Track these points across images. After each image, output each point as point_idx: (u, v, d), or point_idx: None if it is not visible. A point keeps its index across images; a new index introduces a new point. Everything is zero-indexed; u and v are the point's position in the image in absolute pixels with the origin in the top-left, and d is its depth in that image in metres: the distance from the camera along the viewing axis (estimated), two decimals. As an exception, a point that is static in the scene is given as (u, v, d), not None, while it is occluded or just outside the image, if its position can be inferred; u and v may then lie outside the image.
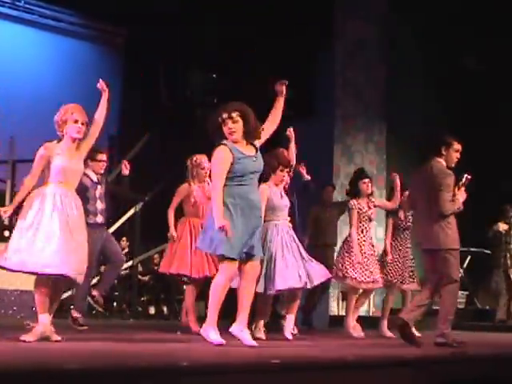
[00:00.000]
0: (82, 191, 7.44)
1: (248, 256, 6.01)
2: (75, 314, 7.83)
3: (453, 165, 6.75)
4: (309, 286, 7.26)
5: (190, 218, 8.06)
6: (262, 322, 7.42)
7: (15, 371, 3.73)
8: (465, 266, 11.98)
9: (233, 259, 5.91)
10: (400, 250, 8.82)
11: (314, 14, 11.73)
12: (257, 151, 6.13)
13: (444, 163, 6.75)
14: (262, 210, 6.35)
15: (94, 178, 8.00)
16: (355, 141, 12.15)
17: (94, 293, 8.01)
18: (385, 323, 8.68)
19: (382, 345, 7.38)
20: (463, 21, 12.13)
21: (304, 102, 12.07)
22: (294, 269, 7.13)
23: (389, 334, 8.52)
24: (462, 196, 6.72)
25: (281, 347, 6.44)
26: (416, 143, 12.45)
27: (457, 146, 6.79)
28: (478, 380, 5.43)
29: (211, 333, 5.92)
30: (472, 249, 11.52)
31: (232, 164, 5.93)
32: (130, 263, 11.46)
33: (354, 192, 8.54)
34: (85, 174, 7.65)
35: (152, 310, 11.91)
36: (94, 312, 11.51)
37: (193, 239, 7.83)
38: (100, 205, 7.97)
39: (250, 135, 6.09)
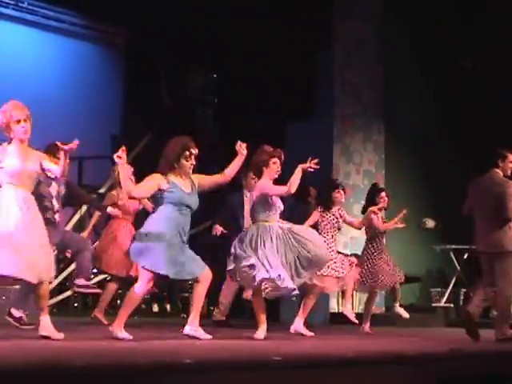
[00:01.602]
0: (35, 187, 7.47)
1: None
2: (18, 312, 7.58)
3: (508, 173, 7.53)
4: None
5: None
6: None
7: (17, 370, 3.75)
8: (462, 262, 12.03)
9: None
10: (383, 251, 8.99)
11: (313, 15, 11.77)
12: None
13: (501, 173, 7.50)
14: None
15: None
16: (354, 140, 12.21)
17: (78, 282, 7.99)
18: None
19: (383, 342, 7.45)
20: (461, 20, 12.19)
21: (303, 103, 12.14)
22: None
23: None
24: None
25: (282, 344, 6.49)
26: (414, 142, 12.54)
27: (511, 157, 7.55)
28: (477, 376, 5.46)
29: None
30: (469, 246, 11.57)
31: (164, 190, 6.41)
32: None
33: (326, 202, 8.53)
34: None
35: (155, 308, 11.96)
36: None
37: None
38: (55, 203, 7.88)
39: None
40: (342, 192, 8.56)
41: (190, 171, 6.53)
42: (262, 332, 6.97)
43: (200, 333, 6.50)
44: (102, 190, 11.21)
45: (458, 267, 12.01)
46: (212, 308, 9.22)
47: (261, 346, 6.12)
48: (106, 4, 11.86)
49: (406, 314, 9.02)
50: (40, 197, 7.43)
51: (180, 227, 6.42)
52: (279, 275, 6.86)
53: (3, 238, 5.78)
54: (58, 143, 6.07)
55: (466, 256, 11.88)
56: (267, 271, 6.88)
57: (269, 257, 6.96)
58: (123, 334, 6.37)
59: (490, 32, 11.95)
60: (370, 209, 8.68)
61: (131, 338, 6.31)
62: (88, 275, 8.21)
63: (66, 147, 5.98)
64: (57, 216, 7.92)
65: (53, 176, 6.32)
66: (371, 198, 8.97)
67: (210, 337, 6.49)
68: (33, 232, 5.92)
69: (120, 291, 9.62)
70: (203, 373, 4.18)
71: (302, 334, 7.68)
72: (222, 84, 12.85)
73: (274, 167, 7.27)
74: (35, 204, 6.11)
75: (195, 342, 6.33)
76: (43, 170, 6.14)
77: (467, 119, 12.11)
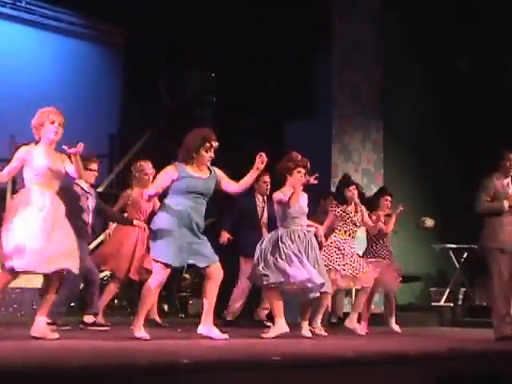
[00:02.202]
0: (74, 200, 7.47)
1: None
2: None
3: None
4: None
5: None
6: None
7: (17, 370, 3.76)
8: (462, 262, 12.01)
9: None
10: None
11: (312, 15, 11.76)
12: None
13: None
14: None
15: (85, 187, 7.88)
16: (353, 139, 12.20)
17: (87, 319, 7.89)
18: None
19: (382, 342, 7.44)
20: (458, 21, 12.18)
21: (302, 102, 12.13)
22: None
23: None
24: None
25: (281, 344, 6.47)
26: (413, 141, 12.52)
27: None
28: (476, 376, 5.45)
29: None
30: (468, 245, 11.56)
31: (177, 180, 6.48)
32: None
33: (340, 199, 8.63)
34: (75, 183, 7.66)
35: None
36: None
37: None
38: (91, 217, 7.89)
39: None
40: (354, 189, 8.55)
41: (208, 163, 6.57)
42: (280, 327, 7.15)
43: (215, 332, 6.54)
44: (100, 189, 11.18)
45: (458, 266, 12.00)
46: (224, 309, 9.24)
47: (260, 346, 6.11)
48: (105, 3, 11.83)
49: (399, 330, 8.96)
50: (80, 210, 7.61)
51: (191, 215, 6.43)
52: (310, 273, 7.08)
53: (34, 236, 5.85)
54: (65, 147, 6.13)
55: (465, 255, 11.87)
56: (302, 273, 7.07)
57: (293, 257, 7.13)
58: (141, 333, 6.41)
59: (484, 32, 11.94)
60: (379, 213, 8.74)
61: (148, 337, 6.34)
62: (97, 311, 8.09)
63: (71, 151, 6.08)
64: (89, 230, 7.94)
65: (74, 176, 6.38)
66: (375, 199, 9.05)
67: (225, 336, 6.52)
68: (61, 230, 6.04)
69: (117, 291, 9.57)
70: (202, 373, 4.17)
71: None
72: (220, 83, 12.82)
73: (298, 176, 7.32)
74: (62, 204, 6.20)
75: (194, 341, 6.32)
76: (66, 172, 6.26)
77: (466, 118, 12.10)
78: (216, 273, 6.57)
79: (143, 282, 12.21)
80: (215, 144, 6.53)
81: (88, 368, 3.92)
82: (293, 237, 7.27)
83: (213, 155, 6.54)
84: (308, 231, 7.46)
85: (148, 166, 8.43)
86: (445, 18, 12.25)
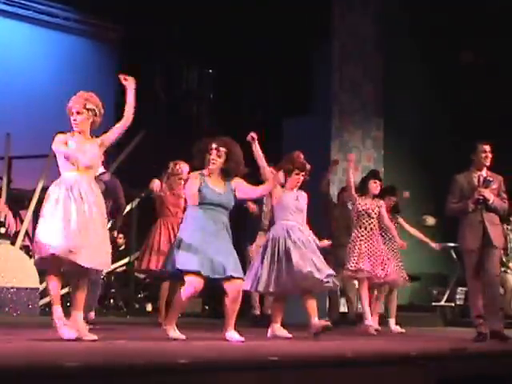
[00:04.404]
0: None
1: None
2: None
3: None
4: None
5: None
6: None
7: (13, 369, 3.72)
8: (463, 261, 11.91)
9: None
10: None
11: (311, 10, 11.66)
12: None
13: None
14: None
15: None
16: (353, 137, 12.09)
17: (91, 316, 7.77)
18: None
19: (382, 342, 7.35)
20: (461, 14, 12.05)
21: (301, 99, 12.02)
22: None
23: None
24: None
25: (279, 344, 6.44)
26: (414, 139, 12.43)
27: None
28: (478, 377, 5.42)
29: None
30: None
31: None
32: (126, 260, 11.40)
33: (361, 189, 8.71)
34: None
35: (149, 307, 11.82)
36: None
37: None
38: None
39: (227, 173, 6.51)
40: (377, 183, 8.66)
41: (213, 167, 6.48)
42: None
43: (234, 336, 6.41)
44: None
45: (459, 266, 11.90)
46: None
47: (259, 346, 6.06)
48: (100, -1, 11.80)
49: (400, 330, 8.94)
50: None
51: (211, 223, 6.38)
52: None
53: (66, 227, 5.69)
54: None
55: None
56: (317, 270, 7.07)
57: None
58: (176, 333, 6.43)
59: (491, 25, 11.81)
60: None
61: (184, 337, 6.35)
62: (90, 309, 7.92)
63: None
64: None
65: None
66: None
67: (242, 338, 6.39)
68: (92, 221, 5.83)
69: (113, 290, 9.50)
70: (199, 373, 4.14)
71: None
72: (218, 80, 12.74)
73: (296, 178, 7.35)
74: (97, 190, 6.02)
75: (191, 342, 6.24)
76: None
77: (468, 115, 11.96)
78: (233, 288, 6.39)
79: (140, 280, 12.25)
80: (214, 145, 6.49)
81: (85, 368, 3.88)
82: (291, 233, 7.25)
83: (214, 157, 6.48)
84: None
85: (186, 169, 8.19)
86: (448, 11, 12.12)
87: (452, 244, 11.91)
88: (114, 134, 6.25)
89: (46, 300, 9.93)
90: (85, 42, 13.11)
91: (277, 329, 7.34)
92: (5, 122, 11.01)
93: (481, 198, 7.17)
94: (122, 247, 12.22)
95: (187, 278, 6.28)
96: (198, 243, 6.29)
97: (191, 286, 6.27)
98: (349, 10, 12.13)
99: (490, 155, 7.36)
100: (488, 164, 7.38)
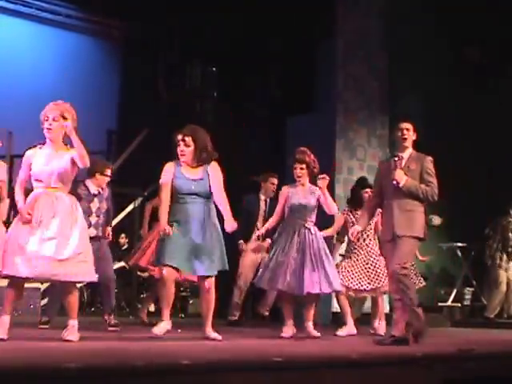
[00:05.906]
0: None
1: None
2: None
3: None
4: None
5: None
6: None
7: (13, 369, 3.72)
8: (469, 260, 11.87)
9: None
10: None
11: (315, 8, 11.59)
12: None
13: None
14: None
15: (93, 190, 7.88)
16: (357, 135, 12.00)
17: (109, 319, 7.88)
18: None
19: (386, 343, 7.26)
20: (467, 10, 11.95)
21: (306, 97, 11.94)
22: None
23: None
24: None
25: (283, 345, 6.39)
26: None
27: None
28: (485, 377, 5.38)
29: None
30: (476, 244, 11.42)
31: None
32: (129, 259, 11.34)
33: (355, 202, 8.34)
34: (84, 185, 7.73)
35: (152, 308, 11.75)
36: (92, 309, 11.42)
37: None
38: (94, 219, 7.84)
39: (201, 160, 6.56)
40: (368, 191, 8.19)
41: (185, 158, 6.55)
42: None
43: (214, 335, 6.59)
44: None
45: (465, 266, 11.84)
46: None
47: (262, 347, 6.03)
48: (103, -3, 11.79)
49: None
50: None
51: (187, 217, 6.43)
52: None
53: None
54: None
55: (473, 254, 11.72)
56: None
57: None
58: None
59: (497, 22, 11.72)
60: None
61: (220, 338, 6.49)
62: (110, 309, 8.07)
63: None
64: (95, 231, 7.81)
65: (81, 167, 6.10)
66: (355, 195, 8.42)
67: (219, 337, 6.54)
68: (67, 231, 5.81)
69: (115, 290, 9.41)
70: (202, 374, 4.13)
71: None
72: (221, 78, 12.69)
73: (295, 172, 7.41)
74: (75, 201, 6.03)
75: (194, 342, 6.28)
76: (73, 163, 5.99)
77: (475, 113, 11.86)
78: (204, 286, 6.57)
79: (142, 280, 12.19)
80: (179, 137, 6.56)
81: (87, 369, 3.88)
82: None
83: (182, 148, 6.55)
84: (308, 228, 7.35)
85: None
86: (453, 8, 12.02)
87: (459, 244, 11.87)
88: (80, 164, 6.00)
89: (47, 300, 9.87)
90: (88, 40, 13.09)
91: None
92: (7, 120, 10.97)
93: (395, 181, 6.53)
94: (125, 246, 12.18)
95: (162, 270, 6.41)
96: (174, 239, 6.36)
97: (164, 274, 6.38)
98: (353, 8, 12.06)
99: (408, 133, 6.82)
100: (407, 144, 6.80)
